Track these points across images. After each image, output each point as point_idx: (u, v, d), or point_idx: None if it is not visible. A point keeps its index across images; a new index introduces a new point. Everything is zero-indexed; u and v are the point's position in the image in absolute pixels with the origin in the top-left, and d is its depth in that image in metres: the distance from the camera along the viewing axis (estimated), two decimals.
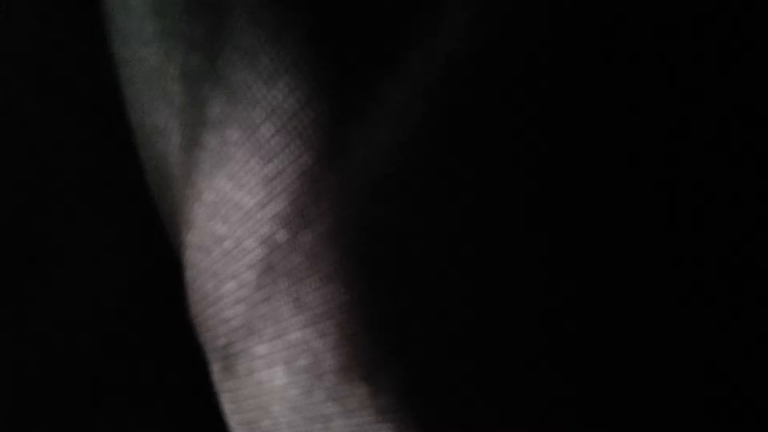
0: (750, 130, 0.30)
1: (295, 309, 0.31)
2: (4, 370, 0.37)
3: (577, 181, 0.29)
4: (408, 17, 0.31)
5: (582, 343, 0.29)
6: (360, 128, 0.31)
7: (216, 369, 0.34)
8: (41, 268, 0.37)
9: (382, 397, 0.30)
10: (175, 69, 0.33)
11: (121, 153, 0.37)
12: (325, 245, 0.31)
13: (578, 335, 0.29)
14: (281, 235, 0.31)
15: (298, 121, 0.31)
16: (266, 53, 0.31)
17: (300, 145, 0.31)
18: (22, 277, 0.37)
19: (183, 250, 0.35)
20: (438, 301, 0.30)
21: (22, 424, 0.37)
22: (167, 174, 0.35)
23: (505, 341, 0.30)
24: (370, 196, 0.30)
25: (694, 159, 0.30)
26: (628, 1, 0.30)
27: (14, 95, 0.37)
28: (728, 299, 0.30)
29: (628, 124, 0.30)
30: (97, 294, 0.37)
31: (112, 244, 0.38)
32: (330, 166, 0.31)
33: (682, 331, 0.30)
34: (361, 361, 0.30)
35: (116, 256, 0.38)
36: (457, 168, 0.30)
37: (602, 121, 0.30)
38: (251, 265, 0.32)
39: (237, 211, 0.32)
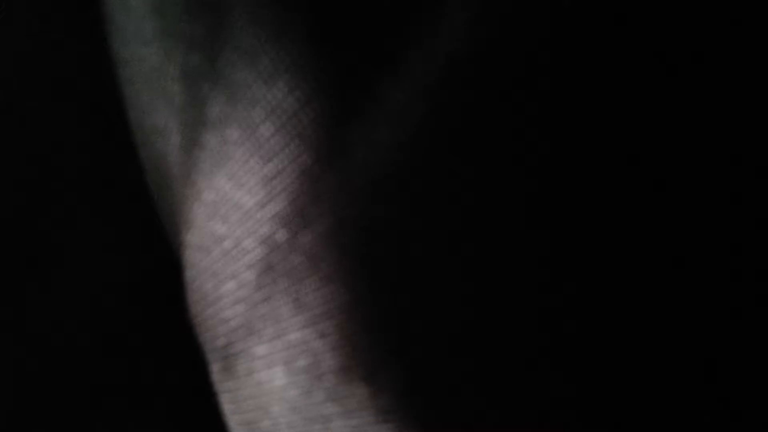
0: (750, 129, 0.30)
1: (294, 309, 0.31)
2: (4, 370, 0.37)
3: (577, 181, 0.29)
4: (408, 17, 0.31)
5: (582, 343, 0.29)
6: (360, 128, 0.31)
7: (215, 369, 0.34)
8: (41, 268, 0.37)
9: (382, 398, 0.30)
10: (175, 69, 0.33)
11: (121, 153, 0.37)
12: (324, 245, 0.31)
13: (578, 335, 0.29)
14: (281, 235, 0.31)
15: (298, 120, 0.31)
16: (266, 53, 0.31)
17: (300, 145, 0.31)
18: (22, 277, 0.37)
19: (182, 249, 0.35)
20: (438, 301, 0.30)
21: (22, 424, 0.37)
22: (167, 174, 0.35)
23: (505, 341, 0.30)
24: (370, 196, 0.30)
25: (694, 159, 0.30)
26: (628, 1, 0.30)
27: (14, 95, 0.37)
28: (728, 299, 0.30)
29: (628, 124, 0.30)
30: (97, 294, 0.37)
31: (112, 244, 0.38)
32: (330, 165, 0.31)
33: (681, 331, 0.30)
34: (360, 362, 0.30)
35: (116, 256, 0.38)
36: (457, 168, 0.30)
37: (602, 121, 0.30)
38: (251, 265, 0.32)
39: (236, 210, 0.32)
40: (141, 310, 0.38)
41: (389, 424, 0.30)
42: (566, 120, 0.30)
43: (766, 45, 0.30)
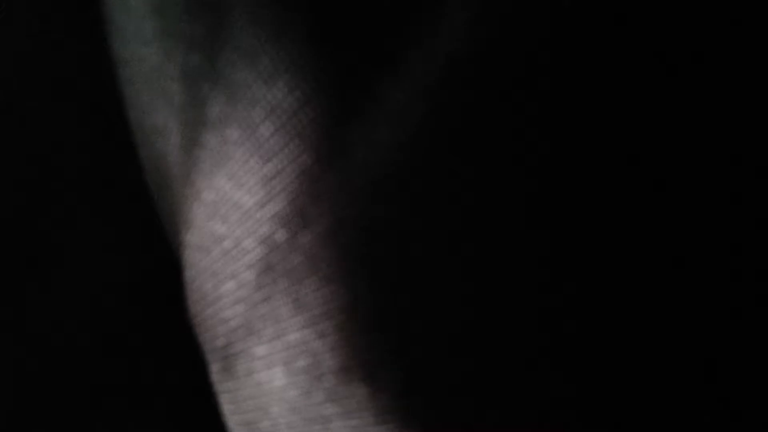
0: (750, 129, 0.30)
1: (294, 309, 0.31)
2: (4, 370, 0.37)
3: (577, 181, 0.29)
4: (408, 17, 0.31)
5: (582, 343, 0.29)
6: (360, 128, 0.31)
7: (215, 369, 0.34)
8: (41, 268, 0.37)
9: (382, 398, 0.30)
10: (175, 69, 0.33)
11: (121, 153, 0.37)
12: (324, 245, 0.31)
13: (578, 335, 0.29)
14: (280, 235, 0.31)
15: (298, 120, 0.31)
16: (266, 53, 0.31)
17: (299, 145, 0.31)
18: (22, 277, 0.37)
19: (182, 249, 0.35)
20: (438, 301, 0.30)
21: (22, 424, 0.37)
22: (167, 173, 0.35)
23: (505, 341, 0.30)
24: (370, 196, 0.30)
25: (694, 159, 0.30)
26: (628, 1, 0.30)
27: (14, 95, 0.37)
28: (728, 299, 0.30)
29: (628, 124, 0.30)
30: (97, 294, 0.37)
31: (112, 244, 0.38)
32: (330, 165, 0.31)
33: (681, 331, 0.30)
34: (360, 362, 0.30)
35: (116, 256, 0.38)
36: (457, 168, 0.30)
37: (602, 121, 0.30)
38: (250, 264, 0.32)
39: (236, 210, 0.32)
40: (141, 310, 0.38)
41: (389, 425, 0.30)
42: (566, 120, 0.30)
43: (766, 45, 0.30)
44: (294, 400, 0.32)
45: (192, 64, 0.33)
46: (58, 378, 0.37)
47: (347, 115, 0.31)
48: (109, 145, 0.37)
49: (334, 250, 0.30)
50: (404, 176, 0.30)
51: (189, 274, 0.35)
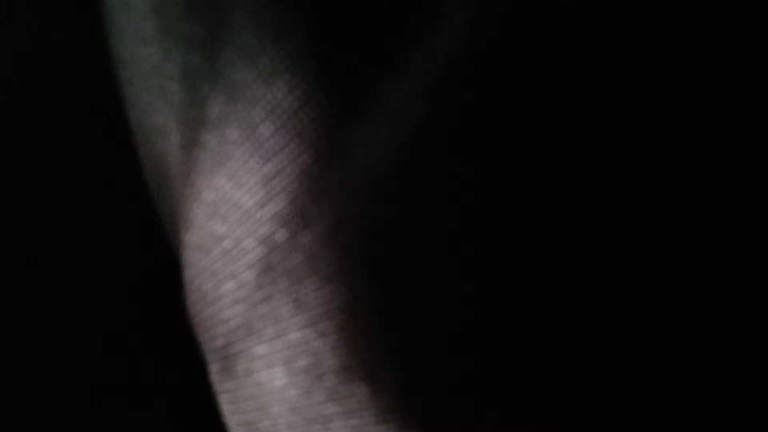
0: (750, 129, 0.30)
1: (294, 309, 0.31)
2: (4, 370, 0.37)
3: (577, 181, 0.29)
4: (408, 17, 0.31)
5: (582, 343, 0.29)
6: (360, 128, 0.31)
7: (215, 369, 0.34)
8: (41, 268, 0.37)
9: (383, 398, 0.30)
10: (175, 68, 0.33)
11: (121, 153, 0.37)
12: (324, 245, 0.31)
13: (578, 335, 0.29)
14: (280, 235, 0.31)
15: (298, 120, 0.31)
16: (266, 52, 0.31)
17: (299, 145, 0.31)
18: (22, 277, 0.37)
19: (182, 249, 0.35)
20: (438, 301, 0.30)
21: (22, 424, 0.37)
22: (167, 173, 0.35)
23: (505, 341, 0.30)
24: (370, 196, 0.30)
25: (694, 159, 0.30)
26: (628, 1, 0.30)
27: (14, 95, 0.37)
28: (728, 299, 0.30)
29: (628, 124, 0.30)
30: (97, 294, 0.37)
31: (112, 244, 0.38)
32: (330, 165, 0.31)
33: (681, 331, 0.30)
34: (361, 361, 0.30)
35: (116, 256, 0.38)
36: (457, 168, 0.30)
37: (602, 121, 0.30)
38: (250, 264, 0.32)
39: (236, 210, 0.32)
40: (141, 310, 0.38)
41: (389, 424, 0.30)
42: (566, 120, 0.30)
43: (766, 45, 0.30)
44: (294, 400, 0.32)
45: (192, 63, 0.33)
46: (58, 378, 0.37)
47: (347, 115, 0.31)
48: (109, 145, 0.37)
49: (334, 250, 0.30)
50: (404, 176, 0.30)
51: (189, 274, 0.35)
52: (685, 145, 0.30)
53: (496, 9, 0.30)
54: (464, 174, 0.30)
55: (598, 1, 0.30)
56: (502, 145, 0.30)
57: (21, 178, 0.37)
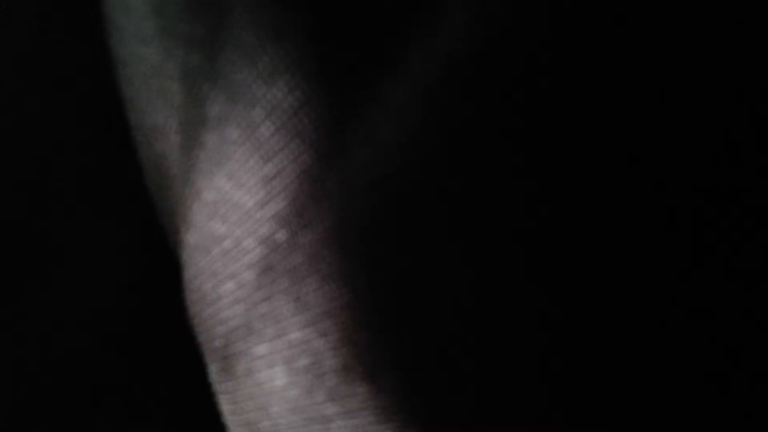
0: (750, 129, 0.30)
1: (295, 309, 0.31)
2: (4, 370, 0.37)
3: (577, 180, 0.29)
4: (408, 17, 0.31)
5: (582, 343, 0.29)
6: (360, 128, 0.31)
7: (214, 369, 0.34)
8: (41, 268, 0.37)
9: (383, 398, 0.30)
10: (175, 68, 0.33)
11: (121, 153, 0.37)
12: (324, 245, 0.31)
13: (578, 335, 0.29)
14: (281, 235, 0.31)
15: (298, 120, 0.31)
16: (266, 52, 0.31)
17: (299, 145, 0.31)
18: (22, 277, 0.37)
19: (182, 249, 0.35)
20: (438, 301, 0.30)
21: (22, 424, 0.37)
22: (167, 173, 0.35)
23: (505, 341, 0.30)
24: (370, 196, 0.30)
25: (694, 159, 0.30)
26: (628, 1, 0.30)
27: (14, 95, 0.37)
28: (728, 299, 0.30)
29: (628, 124, 0.30)
30: (97, 294, 0.37)
31: (112, 244, 0.38)
32: (330, 165, 0.31)
33: (682, 331, 0.30)
34: (361, 361, 0.30)
35: (116, 256, 0.38)
36: (457, 168, 0.30)
37: (602, 121, 0.30)
38: (250, 264, 0.32)
39: (236, 210, 0.32)
40: (141, 311, 0.38)
41: (389, 424, 0.30)
42: (566, 120, 0.30)
43: (766, 45, 0.30)
44: (295, 400, 0.32)
45: (192, 63, 0.33)
46: (58, 378, 0.37)
47: (347, 115, 0.31)
48: (109, 145, 0.37)
49: (334, 250, 0.30)
50: (404, 176, 0.30)
51: (189, 274, 0.35)
52: (686, 144, 0.30)
53: (497, 9, 0.30)
54: (464, 174, 0.30)
55: (598, 1, 0.30)
56: (502, 145, 0.30)
57: (21, 178, 0.37)
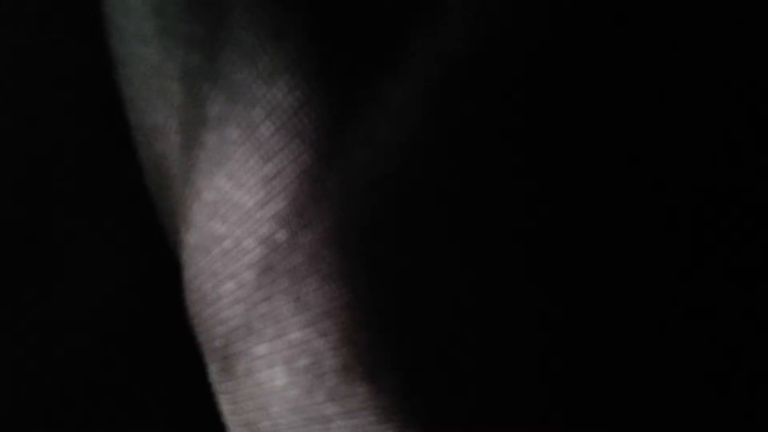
0: (750, 129, 0.30)
1: (295, 309, 0.31)
2: (4, 370, 0.37)
3: (577, 180, 0.29)
4: (408, 17, 0.31)
5: (582, 343, 0.29)
6: (360, 128, 0.31)
7: (214, 370, 0.34)
8: (41, 269, 0.37)
9: (383, 398, 0.30)
10: (175, 68, 0.33)
11: (121, 153, 0.37)
12: (325, 245, 0.31)
13: (578, 335, 0.29)
14: (281, 235, 0.31)
15: (298, 120, 0.31)
16: (266, 52, 0.31)
17: (300, 145, 0.31)
18: (22, 277, 0.37)
19: (182, 249, 0.35)
20: (438, 301, 0.30)
21: (22, 424, 0.37)
22: (167, 173, 0.35)
23: (505, 341, 0.30)
24: (370, 196, 0.30)
25: (694, 159, 0.30)
26: (628, 1, 0.30)
27: (14, 95, 0.37)
28: (728, 299, 0.30)
29: (628, 124, 0.30)
30: (96, 294, 0.37)
31: (112, 244, 0.38)
32: (330, 165, 0.31)
33: (682, 331, 0.30)
34: (361, 361, 0.30)
35: (116, 256, 0.38)
36: (457, 168, 0.30)
37: (602, 121, 0.30)
38: (250, 264, 0.32)
39: (236, 210, 0.32)
40: (141, 311, 0.38)
41: (389, 424, 0.30)
42: (566, 120, 0.30)
43: (766, 45, 0.30)
44: (295, 400, 0.32)
45: (192, 63, 0.33)
46: (58, 378, 0.37)
47: (347, 115, 0.31)
48: (109, 145, 0.37)
49: (334, 250, 0.30)
50: (404, 176, 0.30)
51: (188, 274, 0.35)
52: (686, 145, 0.30)
53: (497, 9, 0.30)
54: (464, 174, 0.30)
55: (598, 1, 0.30)
56: (502, 145, 0.30)
57: (21, 178, 0.37)
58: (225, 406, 0.35)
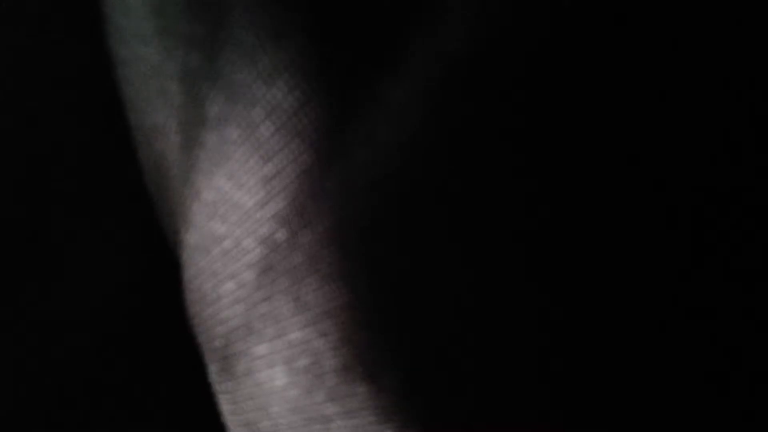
0: (750, 129, 0.30)
1: (295, 309, 0.31)
2: (4, 370, 0.37)
3: (577, 180, 0.29)
4: (408, 17, 0.31)
5: (582, 343, 0.29)
6: (360, 128, 0.31)
7: (214, 370, 0.34)
8: (41, 268, 0.37)
9: (383, 397, 0.30)
10: (175, 68, 0.33)
11: (121, 153, 0.37)
12: (324, 245, 0.31)
13: (578, 335, 0.29)
14: (281, 235, 0.31)
15: (298, 120, 0.31)
16: (266, 52, 0.31)
17: (299, 145, 0.31)
18: (22, 277, 0.37)
19: (182, 249, 0.35)
20: (438, 301, 0.30)
21: (22, 424, 0.37)
22: (166, 173, 0.35)
23: (505, 341, 0.30)
24: (370, 196, 0.30)
25: (694, 159, 0.30)
26: (628, 1, 0.30)
27: (14, 95, 0.37)
28: (728, 299, 0.30)
29: (627, 124, 0.30)
30: (96, 294, 0.37)
31: (112, 244, 0.38)
32: (330, 165, 0.31)
33: (682, 331, 0.30)
34: (361, 361, 0.30)
35: (116, 256, 0.38)
36: (457, 168, 0.30)
37: (602, 121, 0.30)
38: (250, 264, 0.32)
39: (236, 210, 0.32)
40: (140, 311, 0.38)
41: (389, 424, 0.30)
42: (566, 120, 0.30)
43: (766, 45, 0.30)
44: (295, 400, 0.32)
45: (191, 63, 0.33)
46: (58, 378, 0.37)
47: (347, 115, 0.31)
48: (109, 145, 0.37)
49: (334, 250, 0.30)
50: (404, 176, 0.30)
51: (188, 274, 0.35)
52: (686, 145, 0.30)
53: (497, 9, 0.30)
54: (464, 174, 0.30)
55: (598, 1, 0.30)
56: (502, 144, 0.30)
57: (21, 178, 0.37)
58: (225, 406, 0.35)
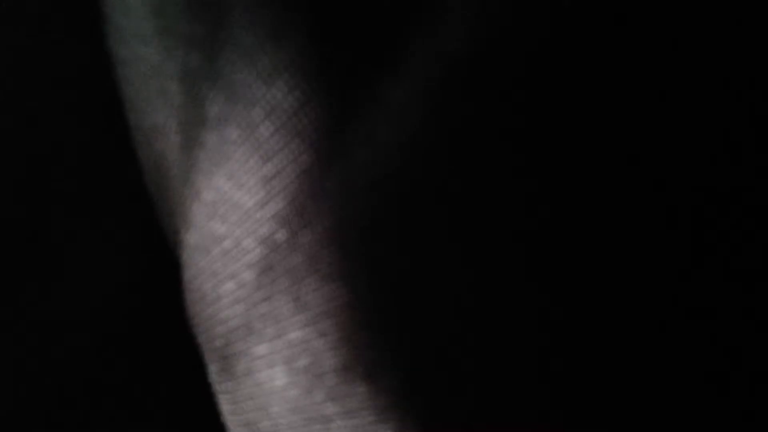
0: (750, 129, 0.30)
1: (295, 308, 0.31)
2: (4, 370, 0.37)
3: (577, 180, 0.29)
4: (408, 17, 0.31)
5: (582, 343, 0.29)
6: (360, 128, 0.31)
7: (214, 369, 0.34)
8: (41, 268, 0.37)
9: (382, 397, 0.30)
10: (175, 68, 0.33)
11: (121, 153, 0.37)
12: (324, 245, 0.31)
13: (578, 335, 0.29)
14: (280, 235, 0.31)
15: (298, 120, 0.31)
16: (266, 52, 0.31)
17: (299, 145, 0.31)
18: (22, 278, 0.37)
19: (182, 249, 0.35)
20: (438, 301, 0.30)
21: (22, 424, 0.37)
22: (166, 173, 0.35)
23: (504, 341, 0.30)
24: (370, 196, 0.30)
25: (694, 159, 0.30)
26: (628, 1, 0.30)
27: (14, 95, 0.37)
28: (728, 299, 0.30)
29: (627, 124, 0.30)
30: (96, 294, 0.37)
31: (112, 244, 0.38)
32: (330, 165, 0.31)
33: (682, 331, 0.30)
34: (361, 361, 0.30)
35: (116, 256, 0.38)
36: (457, 168, 0.30)
37: (602, 121, 0.30)
38: (250, 264, 0.32)
39: (236, 210, 0.32)
40: (140, 311, 0.38)
41: (389, 424, 0.30)
42: (566, 120, 0.30)
43: (766, 45, 0.30)
44: (295, 400, 0.32)
45: (191, 63, 0.33)
46: (57, 378, 0.37)
47: (347, 115, 0.31)
48: (109, 145, 0.37)
49: (334, 250, 0.30)
50: (404, 176, 0.30)
51: (188, 274, 0.35)
52: (686, 145, 0.30)
53: (497, 9, 0.30)
54: (464, 174, 0.30)
55: (598, 1, 0.30)
56: (502, 144, 0.30)
57: (21, 178, 0.37)
58: (225, 406, 0.35)
